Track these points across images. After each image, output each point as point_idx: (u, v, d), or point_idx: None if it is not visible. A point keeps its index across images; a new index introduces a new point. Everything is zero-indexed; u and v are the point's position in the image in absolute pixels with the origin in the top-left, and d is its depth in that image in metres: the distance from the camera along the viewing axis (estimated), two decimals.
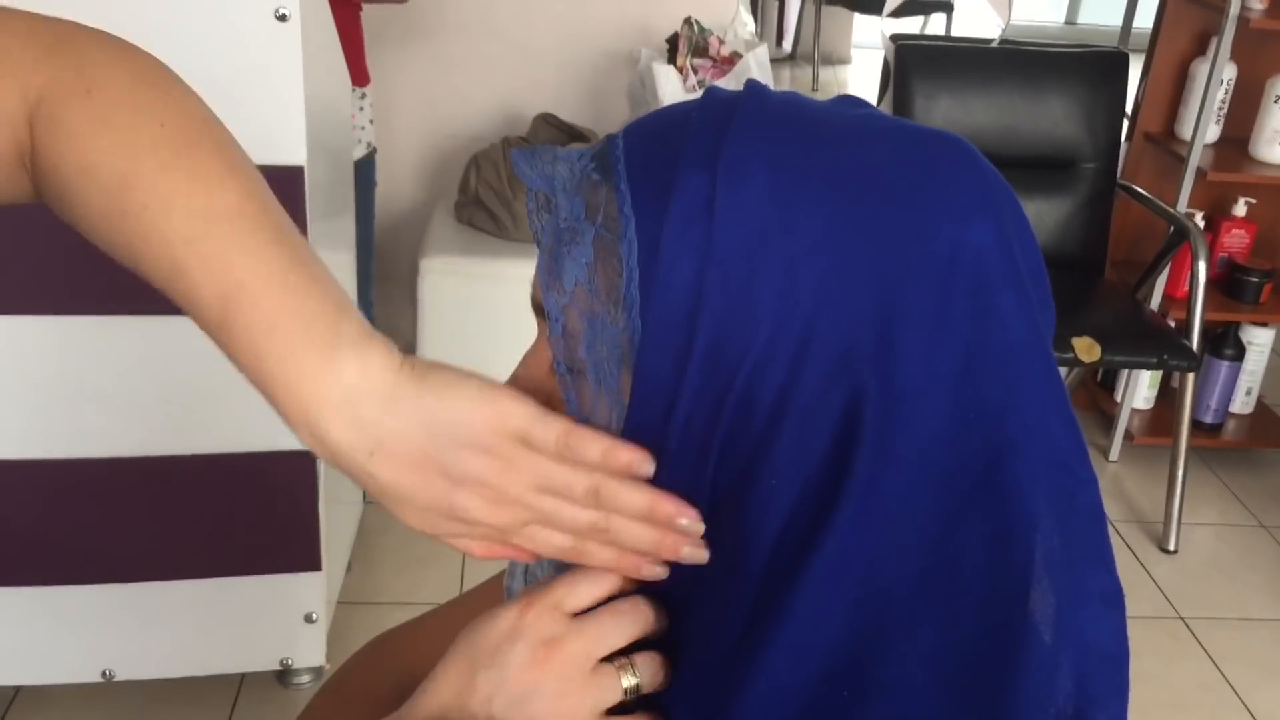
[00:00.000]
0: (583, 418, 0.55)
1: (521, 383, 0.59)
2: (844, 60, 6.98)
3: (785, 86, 6.44)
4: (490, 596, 0.84)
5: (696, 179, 0.51)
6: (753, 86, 0.55)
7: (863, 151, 0.52)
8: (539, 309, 0.57)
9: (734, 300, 0.50)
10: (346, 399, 0.51)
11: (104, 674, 1.87)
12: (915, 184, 0.51)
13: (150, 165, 0.52)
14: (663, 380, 0.51)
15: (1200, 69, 2.84)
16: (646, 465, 0.53)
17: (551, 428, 0.53)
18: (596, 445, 0.53)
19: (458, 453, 0.52)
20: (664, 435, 0.52)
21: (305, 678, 2.05)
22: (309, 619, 1.90)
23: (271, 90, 1.54)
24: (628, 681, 0.55)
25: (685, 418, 0.51)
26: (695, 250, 0.50)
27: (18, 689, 2.04)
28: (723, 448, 0.51)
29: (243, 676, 2.08)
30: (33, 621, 1.83)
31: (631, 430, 0.53)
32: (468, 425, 0.52)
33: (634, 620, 0.55)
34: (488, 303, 2.53)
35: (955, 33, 3.35)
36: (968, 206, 0.51)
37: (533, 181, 0.56)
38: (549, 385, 0.58)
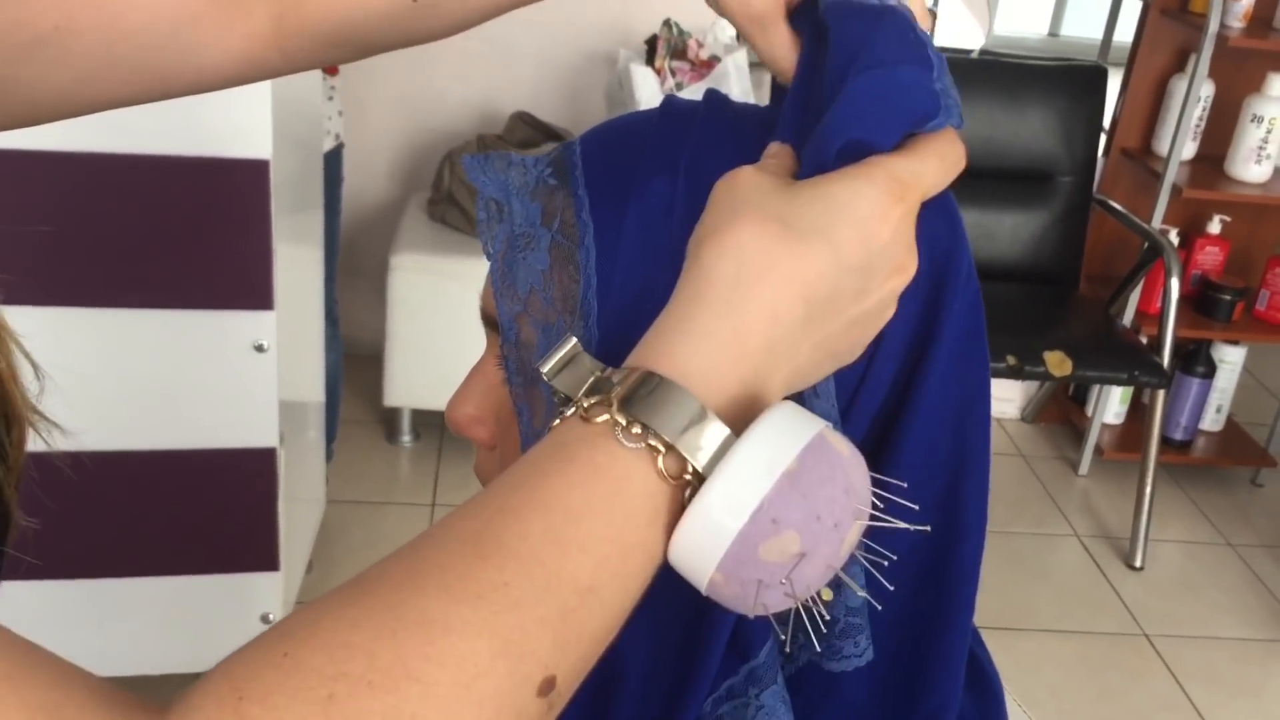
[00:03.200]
0: (536, 430, 0.53)
1: (468, 396, 0.57)
2: None
3: (765, 90, 6.43)
4: None
5: (657, 184, 0.50)
6: (713, 96, 0.54)
7: None
8: (489, 321, 0.55)
9: None
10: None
11: None
12: None
13: None
14: None
15: (1178, 86, 2.84)
16: None
17: None
18: None
19: None
20: None
21: None
22: (265, 620, 1.87)
23: None
24: None
25: None
26: (654, 256, 0.49)
27: None
28: None
29: (198, 676, 2.05)
30: None
31: None
32: None
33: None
34: (458, 301, 2.49)
35: (938, 43, 3.34)
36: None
37: (486, 188, 0.54)
38: (496, 399, 0.56)
